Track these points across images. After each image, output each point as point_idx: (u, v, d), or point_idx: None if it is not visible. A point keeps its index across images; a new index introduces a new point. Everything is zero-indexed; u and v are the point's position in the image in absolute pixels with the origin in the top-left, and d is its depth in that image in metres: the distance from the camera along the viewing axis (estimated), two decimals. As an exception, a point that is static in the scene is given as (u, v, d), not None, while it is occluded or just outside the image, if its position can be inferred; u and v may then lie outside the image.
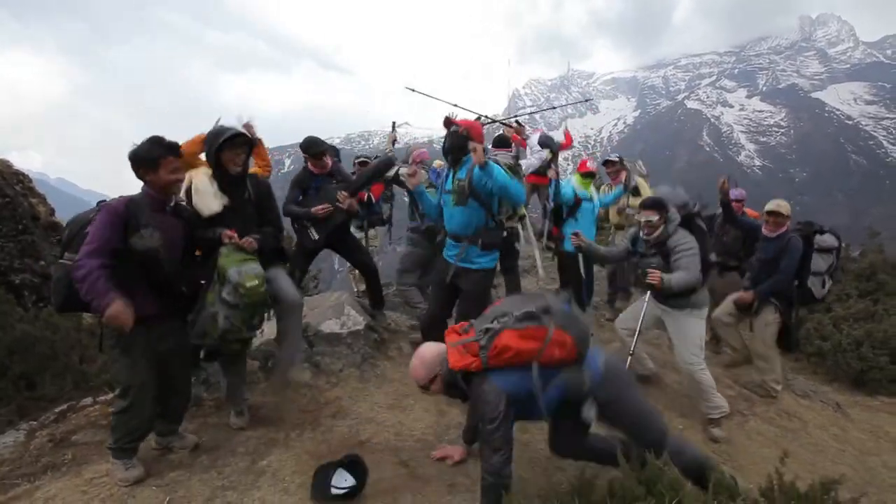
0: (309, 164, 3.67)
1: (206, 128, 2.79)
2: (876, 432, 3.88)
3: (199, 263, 2.50)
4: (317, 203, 3.54)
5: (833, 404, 4.24)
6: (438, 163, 4.12)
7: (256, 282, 2.34)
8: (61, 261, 2.19)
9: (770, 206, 3.77)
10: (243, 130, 2.62)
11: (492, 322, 1.90)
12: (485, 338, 1.86)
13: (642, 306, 3.30)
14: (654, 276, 2.96)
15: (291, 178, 3.78)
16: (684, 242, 3.04)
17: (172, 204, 2.32)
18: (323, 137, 3.84)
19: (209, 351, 2.54)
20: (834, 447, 3.42)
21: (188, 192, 2.55)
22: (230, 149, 2.52)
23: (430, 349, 1.98)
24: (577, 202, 4.49)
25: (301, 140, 3.72)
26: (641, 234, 3.21)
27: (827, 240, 3.80)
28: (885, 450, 3.56)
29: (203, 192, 2.50)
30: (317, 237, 3.61)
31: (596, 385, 1.94)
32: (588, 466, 2.58)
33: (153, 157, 2.17)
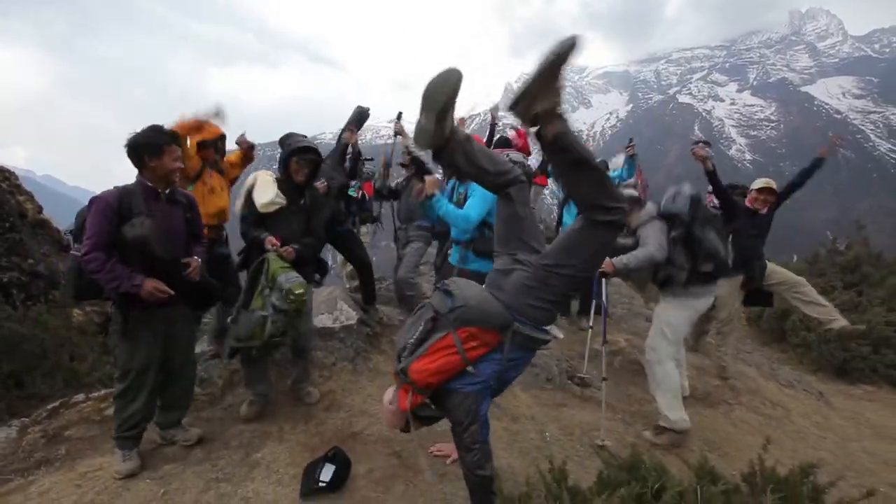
0: None
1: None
2: (857, 419, 3.99)
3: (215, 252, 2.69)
4: None
5: (816, 393, 4.35)
6: None
7: (302, 290, 2.47)
8: (72, 252, 2.29)
9: (761, 183, 3.89)
10: (312, 144, 2.78)
11: (399, 362, 1.80)
12: (405, 379, 1.77)
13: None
14: (606, 263, 2.85)
15: None
16: (648, 226, 3.02)
17: (168, 191, 2.33)
18: (313, 133, 3.99)
19: (248, 353, 2.64)
20: (816, 434, 3.51)
21: (249, 189, 2.73)
22: (298, 160, 2.72)
23: (389, 397, 1.90)
24: None
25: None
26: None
27: None
28: (866, 436, 3.67)
29: (264, 188, 2.67)
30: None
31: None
32: (575, 455, 2.65)
33: (158, 143, 2.22)
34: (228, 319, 2.57)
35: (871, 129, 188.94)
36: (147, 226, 2.13)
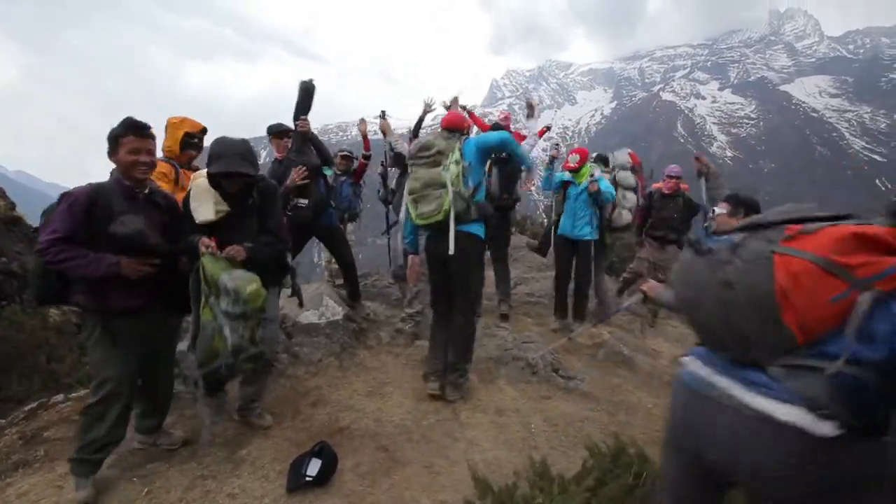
0: (275, 149, 3.79)
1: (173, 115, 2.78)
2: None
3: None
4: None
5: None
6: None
7: (255, 285, 2.09)
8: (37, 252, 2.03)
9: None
10: (239, 168, 2.25)
11: None
12: None
13: None
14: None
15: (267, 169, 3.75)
16: None
17: (146, 192, 2.15)
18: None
19: (218, 380, 2.21)
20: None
21: (186, 197, 2.36)
22: (226, 182, 2.29)
23: None
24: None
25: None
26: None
27: None
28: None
29: (200, 198, 2.30)
30: (305, 203, 3.61)
31: None
32: (560, 446, 2.69)
33: (114, 135, 2.05)
34: (185, 348, 2.24)
35: (846, 127, 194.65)
36: (140, 221, 2.03)
